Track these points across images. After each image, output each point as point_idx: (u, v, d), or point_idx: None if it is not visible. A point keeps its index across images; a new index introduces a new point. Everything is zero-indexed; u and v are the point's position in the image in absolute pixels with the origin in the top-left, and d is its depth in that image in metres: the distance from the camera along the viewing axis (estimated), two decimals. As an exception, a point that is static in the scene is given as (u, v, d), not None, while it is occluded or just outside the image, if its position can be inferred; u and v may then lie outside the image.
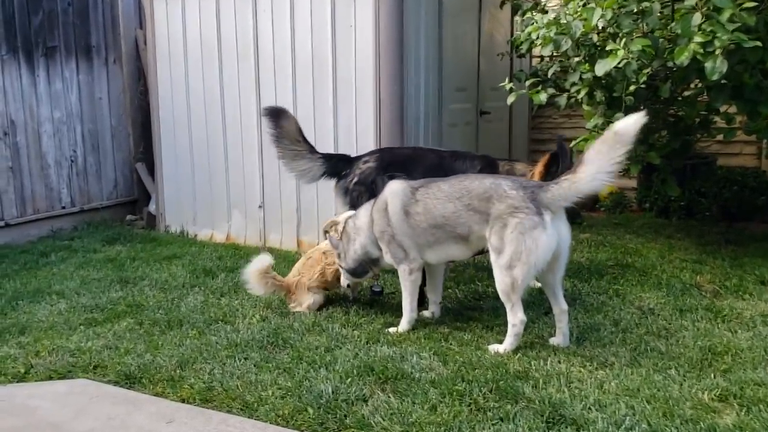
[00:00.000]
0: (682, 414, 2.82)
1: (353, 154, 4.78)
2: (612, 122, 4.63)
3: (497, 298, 3.59)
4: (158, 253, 5.85)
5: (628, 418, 2.79)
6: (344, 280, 4.21)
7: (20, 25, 6.39)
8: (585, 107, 5.07)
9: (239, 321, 4.08)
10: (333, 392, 3.04)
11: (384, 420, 2.83)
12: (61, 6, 6.76)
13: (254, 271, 4.20)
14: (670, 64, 4.42)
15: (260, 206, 6.14)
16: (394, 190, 3.85)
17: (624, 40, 4.36)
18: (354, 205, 4.36)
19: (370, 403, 2.97)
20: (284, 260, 5.22)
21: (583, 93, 4.90)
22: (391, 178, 4.24)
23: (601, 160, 3.26)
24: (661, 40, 4.51)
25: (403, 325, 3.88)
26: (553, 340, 3.63)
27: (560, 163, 4.39)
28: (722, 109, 4.94)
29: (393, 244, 3.84)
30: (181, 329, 3.98)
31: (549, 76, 5.48)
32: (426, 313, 4.11)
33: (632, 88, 4.48)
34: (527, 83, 5.46)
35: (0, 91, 6.24)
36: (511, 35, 6.94)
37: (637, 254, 5.43)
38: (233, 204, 6.33)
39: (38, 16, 6.56)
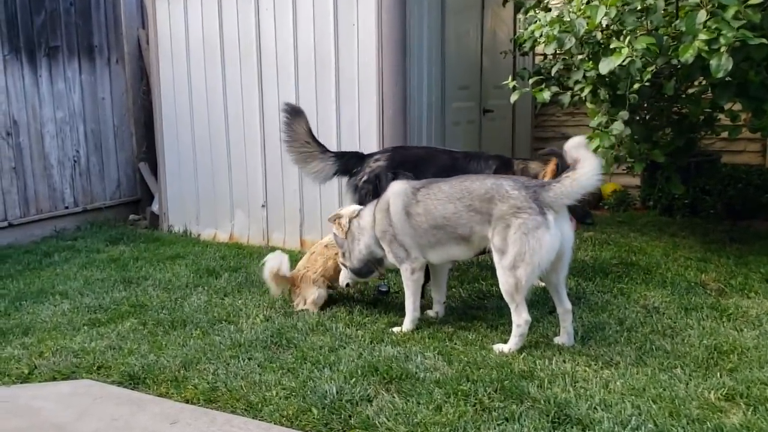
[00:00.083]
0: (688, 414, 2.81)
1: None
2: (616, 120, 4.66)
3: (501, 297, 3.57)
4: (161, 252, 5.85)
5: (634, 417, 2.77)
6: (343, 280, 4.19)
7: (22, 25, 6.39)
8: (589, 105, 5.05)
9: (243, 321, 4.08)
10: (337, 392, 3.03)
11: (389, 420, 2.82)
12: (63, 6, 6.76)
13: (270, 270, 4.22)
14: (674, 61, 4.40)
15: (263, 205, 6.14)
16: (396, 190, 3.85)
17: (628, 37, 4.34)
18: (363, 202, 4.35)
19: (375, 404, 2.96)
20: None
21: (586, 91, 4.89)
22: (395, 177, 4.24)
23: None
24: (665, 37, 4.50)
25: (407, 324, 3.87)
26: (558, 340, 3.62)
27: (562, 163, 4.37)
28: (727, 106, 4.91)
29: (395, 244, 3.83)
30: (185, 329, 3.98)
31: (552, 74, 5.46)
32: (430, 313, 4.10)
33: (636, 86, 4.48)
34: (530, 81, 5.44)
35: (3, 92, 6.25)
36: (514, 33, 6.94)
37: (642, 252, 5.41)
38: (236, 203, 6.33)
39: (40, 16, 6.56)
